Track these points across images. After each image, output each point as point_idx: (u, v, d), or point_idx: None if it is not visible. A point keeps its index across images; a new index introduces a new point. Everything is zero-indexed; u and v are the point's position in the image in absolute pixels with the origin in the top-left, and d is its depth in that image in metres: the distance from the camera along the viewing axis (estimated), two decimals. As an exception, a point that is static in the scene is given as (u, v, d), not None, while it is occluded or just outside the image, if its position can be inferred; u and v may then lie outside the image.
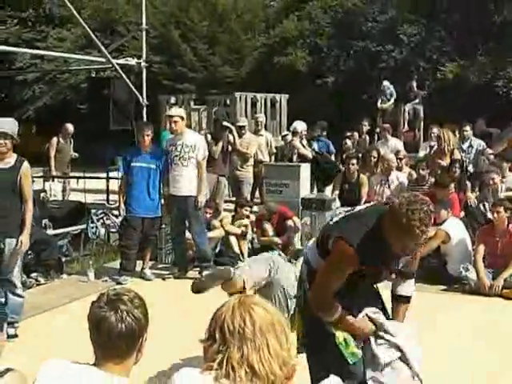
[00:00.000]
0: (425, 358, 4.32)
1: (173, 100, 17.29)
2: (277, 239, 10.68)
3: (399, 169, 12.37)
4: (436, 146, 12.84)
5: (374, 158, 12.31)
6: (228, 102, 17.22)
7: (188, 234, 10.28)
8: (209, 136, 12.27)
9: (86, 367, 2.71)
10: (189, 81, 25.71)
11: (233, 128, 12.97)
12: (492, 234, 9.45)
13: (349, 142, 15.02)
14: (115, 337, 2.66)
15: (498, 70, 21.41)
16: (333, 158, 14.30)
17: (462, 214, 10.96)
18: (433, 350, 6.56)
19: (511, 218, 9.45)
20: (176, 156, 9.85)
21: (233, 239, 11.04)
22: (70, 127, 15.53)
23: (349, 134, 15.56)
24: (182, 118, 9.98)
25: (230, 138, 12.87)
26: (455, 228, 9.84)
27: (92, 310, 2.72)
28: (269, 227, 11.08)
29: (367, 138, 15.72)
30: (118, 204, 10.62)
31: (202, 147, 10.03)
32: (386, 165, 11.98)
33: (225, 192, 13.05)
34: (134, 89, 12.97)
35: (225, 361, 2.43)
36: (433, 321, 7.91)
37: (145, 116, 13.13)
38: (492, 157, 12.89)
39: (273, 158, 14.36)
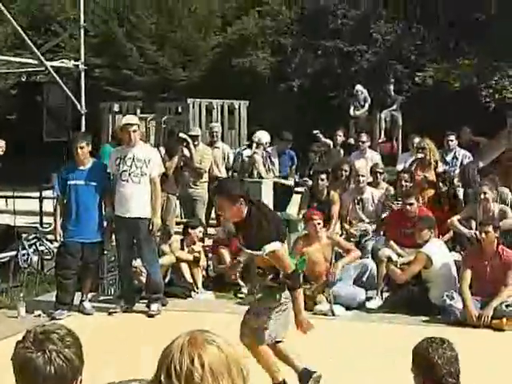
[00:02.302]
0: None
1: (116, 108, 17.21)
2: None
3: (376, 185, 12.35)
4: (420, 158, 12.67)
5: (346, 171, 12.27)
6: (180, 109, 17.18)
7: (134, 262, 10.22)
8: (162, 150, 12.21)
9: None
10: (135, 86, 25.65)
11: (190, 141, 12.89)
12: (480, 257, 9.49)
13: (313, 156, 15.04)
14: (42, 382, 2.61)
15: (482, 76, 21.61)
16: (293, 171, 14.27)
17: (446, 237, 10.95)
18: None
19: (500, 238, 9.51)
20: (125, 171, 9.74)
21: (184, 266, 10.98)
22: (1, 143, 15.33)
23: (315, 147, 15.53)
24: (139, 127, 9.97)
25: (186, 151, 12.77)
26: (437, 251, 9.89)
27: (16, 350, 2.66)
28: (226, 253, 11.08)
29: (341, 150, 15.66)
30: (53, 227, 10.52)
31: (157, 162, 10.00)
32: (356, 181, 11.98)
33: (175, 212, 13.00)
34: (70, 94, 12.90)
35: None
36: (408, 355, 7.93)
37: (83, 126, 13.06)
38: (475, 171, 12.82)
39: (230, 173, 14.32)
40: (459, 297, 9.30)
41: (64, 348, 2.64)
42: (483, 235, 9.44)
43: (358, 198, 11.91)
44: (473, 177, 12.46)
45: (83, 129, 12.88)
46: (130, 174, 9.73)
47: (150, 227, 9.75)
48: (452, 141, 13.48)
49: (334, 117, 18.59)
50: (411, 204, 10.75)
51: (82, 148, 9.76)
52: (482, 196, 10.60)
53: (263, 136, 13.72)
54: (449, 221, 11.03)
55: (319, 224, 10.26)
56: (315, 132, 15.66)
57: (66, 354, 2.64)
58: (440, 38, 23.15)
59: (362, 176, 12.02)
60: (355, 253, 10.41)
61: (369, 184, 12.31)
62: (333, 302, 9.92)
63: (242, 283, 10.96)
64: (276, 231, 6.34)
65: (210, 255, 11.47)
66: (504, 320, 9.03)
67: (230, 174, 14.25)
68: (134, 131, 9.77)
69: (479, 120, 16.93)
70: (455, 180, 12.40)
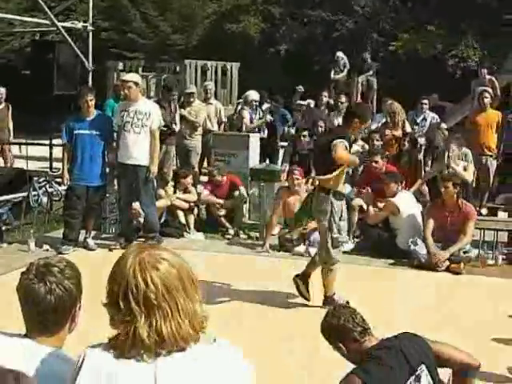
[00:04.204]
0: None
1: (120, 66, 17.09)
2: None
3: (354, 141, 12.37)
4: (389, 119, 12.69)
5: (321, 127, 12.24)
6: (177, 69, 17.08)
7: (133, 204, 10.20)
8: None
9: (14, 337, 2.65)
10: (138, 48, 25.46)
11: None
12: (441, 209, 9.49)
13: (296, 114, 15.05)
14: (44, 310, 2.59)
15: (448, 46, 21.53)
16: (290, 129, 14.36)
17: (413, 188, 10.92)
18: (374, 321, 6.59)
19: (460, 193, 9.50)
20: (128, 122, 9.69)
21: (180, 211, 11.00)
22: (1, 89, 15.19)
23: (295, 105, 15.49)
24: (137, 84, 9.84)
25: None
26: (405, 201, 9.90)
27: (20, 281, 2.66)
28: (212, 198, 11.20)
29: (326, 110, 15.57)
30: (61, 172, 10.46)
31: (157, 116, 9.92)
32: None
33: (173, 161, 12.96)
34: (79, 53, 12.76)
35: (131, 333, 2.26)
36: (378, 293, 7.97)
37: (90, 82, 12.93)
38: (446, 132, 12.87)
39: (222, 127, 14.29)
40: (423, 243, 9.33)
41: (64, 279, 2.63)
42: (443, 189, 9.44)
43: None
44: (435, 137, 12.44)
45: (90, 84, 12.74)
46: (132, 125, 9.68)
47: (148, 174, 9.72)
48: (426, 104, 13.52)
49: (316, 79, 18.47)
50: (376, 161, 10.79)
51: (91, 100, 9.73)
52: (450, 152, 10.59)
53: (250, 94, 13.70)
54: (423, 174, 11.09)
55: (297, 179, 10.29)
56: (298, 87, 15.73)
57: (65, 285, 2.62)
58: (412, 11, 23.08)
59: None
60: None
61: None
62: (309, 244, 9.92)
63: (228, 225, 11.05)
64: None
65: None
66: (461, 264, 9.08)
67: (221, 127, 14.24)
68: (129, 87, 9.68)
69: (447, 86, 16.88)
70: (419, 139, 12.37)
